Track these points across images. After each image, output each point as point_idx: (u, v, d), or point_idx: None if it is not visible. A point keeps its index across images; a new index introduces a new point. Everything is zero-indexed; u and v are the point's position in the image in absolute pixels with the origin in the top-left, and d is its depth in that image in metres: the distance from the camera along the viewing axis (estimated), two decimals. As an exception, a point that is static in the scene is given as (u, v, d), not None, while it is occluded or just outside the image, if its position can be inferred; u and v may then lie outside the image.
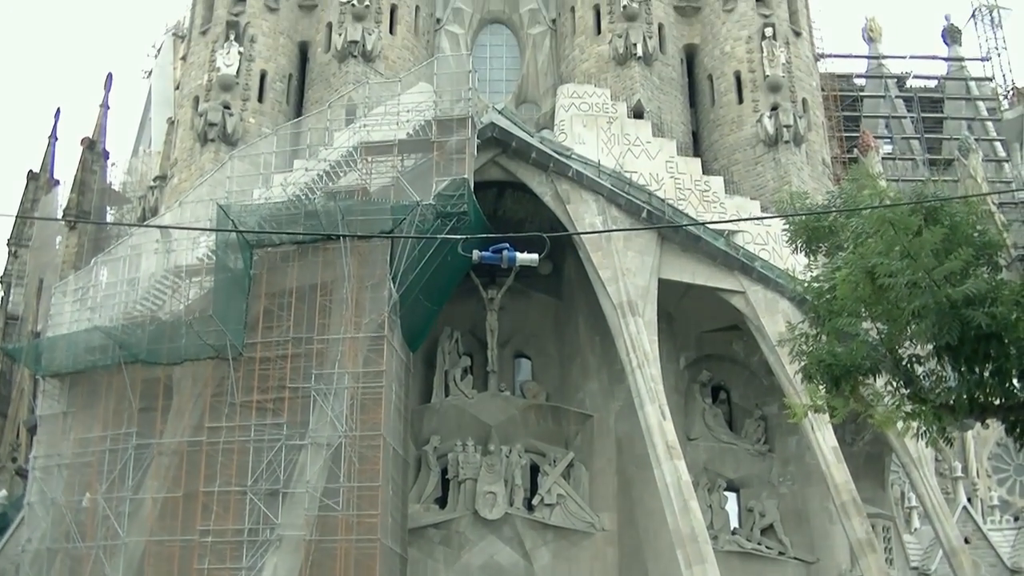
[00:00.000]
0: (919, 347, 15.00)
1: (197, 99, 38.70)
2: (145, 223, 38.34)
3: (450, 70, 34.35)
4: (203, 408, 30.48)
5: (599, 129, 35.03)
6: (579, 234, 32.37)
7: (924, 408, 14.69)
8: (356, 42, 38.16)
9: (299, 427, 28.99)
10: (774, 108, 37.87)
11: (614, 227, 33.02)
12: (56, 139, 64.40)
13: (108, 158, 53.92)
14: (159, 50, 52.92)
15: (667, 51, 39.97)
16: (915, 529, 42.32)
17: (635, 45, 38.30)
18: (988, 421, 15.58)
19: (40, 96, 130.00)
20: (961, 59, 60.64)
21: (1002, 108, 56.66)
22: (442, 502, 33.69)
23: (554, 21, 42.90)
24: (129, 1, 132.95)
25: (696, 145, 39.91)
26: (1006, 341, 13.85)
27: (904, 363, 15.05)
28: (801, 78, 39.48)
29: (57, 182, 59.70)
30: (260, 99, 38.50)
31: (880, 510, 36.08)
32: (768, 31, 39.11)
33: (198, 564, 28.24)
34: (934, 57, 59.55)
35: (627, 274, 32.66)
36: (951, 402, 14.56)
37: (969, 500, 42.61)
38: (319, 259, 30.54)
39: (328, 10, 40.06)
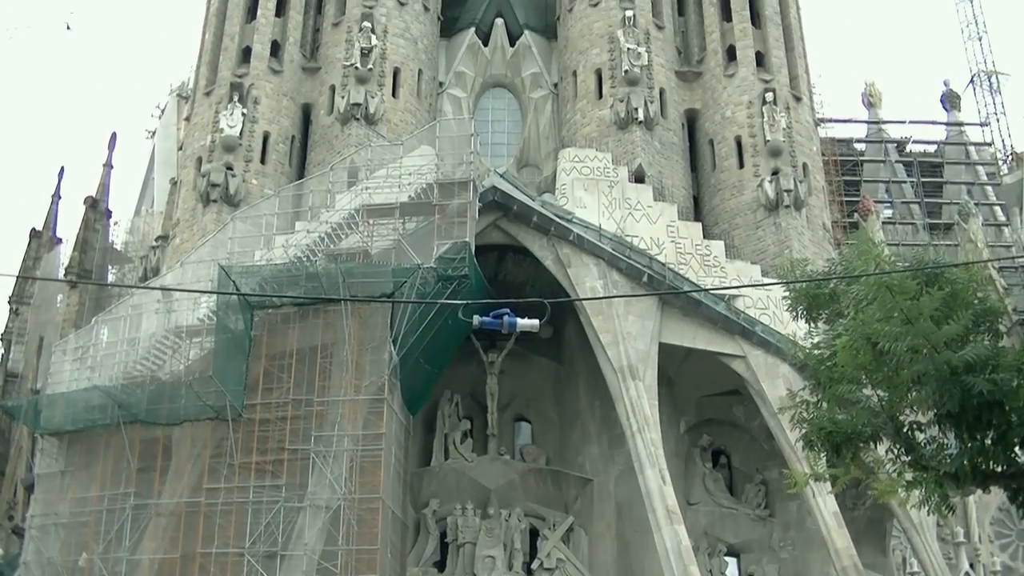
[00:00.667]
0: (920, 414, 14.96)
1: (200, 160, 38.83)
2: (146, 283, 38.26)
3: (452, 133, 34.58)
4: (202, 469, 30.39)
5: (600, 193, 35.19)
6: (580, 300, 32.42)
7: (926, 476, 14.64)
8: (359, 105, 38.34)
9: (298, 489, 28.91)
10: (775, 173, 37.95)
11: (615, 291, 33.08)
12: (59, 197, 64.45)
13: (110, 217, 53.97)
14: (163, 110, 53.14)
15: (668, 116, 40.16)
16: (917, 595, 41.97)
17: (636, 110, 38.46)
18: (990, 488, 15.51)
19: (44, 155, 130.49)
20: (960, 124, 60.80)
21: (1001, 173, 56.80)
22: (440, 566, 33.49)
23: (556, 85, 43.16)
24: (134, 61, 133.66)
25: (697, 209, 39.98)
26: (1007, 408, 13.81)
27: (905, 430, 15.01)
28: (802, 143, 39.65)
29: (59, 240, 59.69)
30: (263, 160, 38.62)
31: (882, 576, 35.86)
32: (769, 96, 39.31)
33: (195, 626, 28.10)
34: (933, 122, 59.70)
35: (628, 338, 32.68)
36: (954, 471, 14.48)
37: (971, 566, 42.23)
38: (320, 321, 30.58)
39: (331, 73, 40.30)
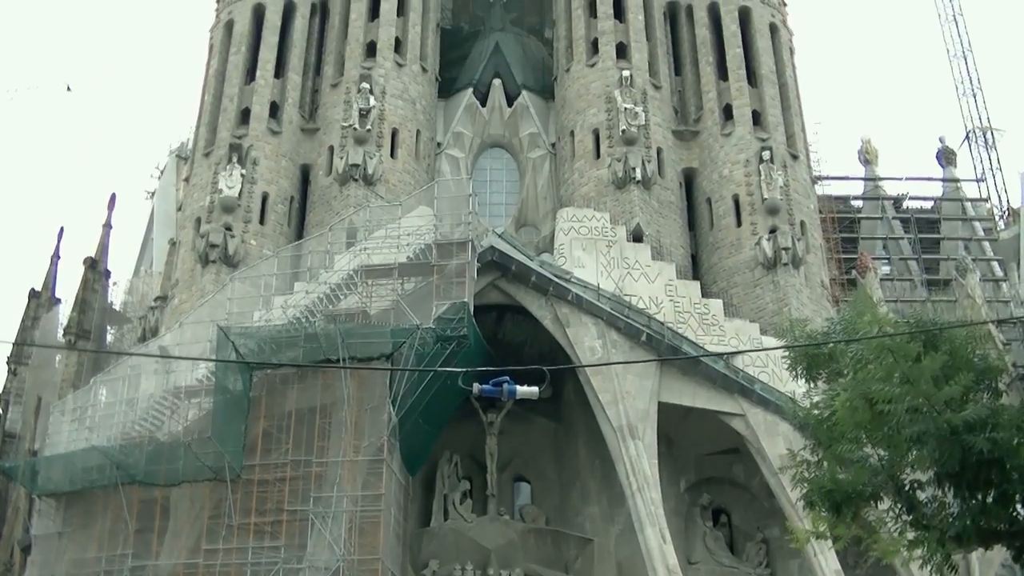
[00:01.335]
0: (920, 472, 14.93)
1: (199, 220, 38.95)
2: (145, 343, 38.28)
3: (450, 194, 34.67)
4: (200, 530, 30.30)
5: (598, 253, 35.29)
6: (580, 367, 32.47)
7: (927, 535, 14.59)
8: (357, 165, 38.52)
9: (297, 550, 28.79)
10: (772, 231, 38.07)
11: (614, 350, 33.14)
12: (59, 257, 64.32)
13: (109, 277, 53.92)
14: (162, 171, 53.30)
15: (666, 175, 40.33)
16: (920, 655, 41.60)
17: (634, 169, 38.62)
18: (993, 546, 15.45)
19: (44, 215, 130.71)
20: (956, 180, 60.91)
21: (998, 228, 56.87)
22: (441, 626, 33.26)
23: (553, 145, 43.36)
24: (134, 122, 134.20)
25: (695, 267, 40.05)
26: (1008, 466, 13.79)
27: (906, 489, 14.97)
28: (799, 201, 39.79)
29: (58, 300, 59.60)
30: (261, 221, 38.74)
31: (883, 635, 35.57)
32: (766, 155, 39.47)
33: None
34: (930, 178, 59.85)
35: (627, 397, 32.66)
36: (956, 533, 14.43)
37: (975, 624, 41.93)
38: (319, 382, 30.58)
39: (330, 134, 40.52)
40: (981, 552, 44.80)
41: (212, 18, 45.20)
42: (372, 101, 39.92)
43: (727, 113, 41.72)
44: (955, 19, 61.83)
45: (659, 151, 40.37)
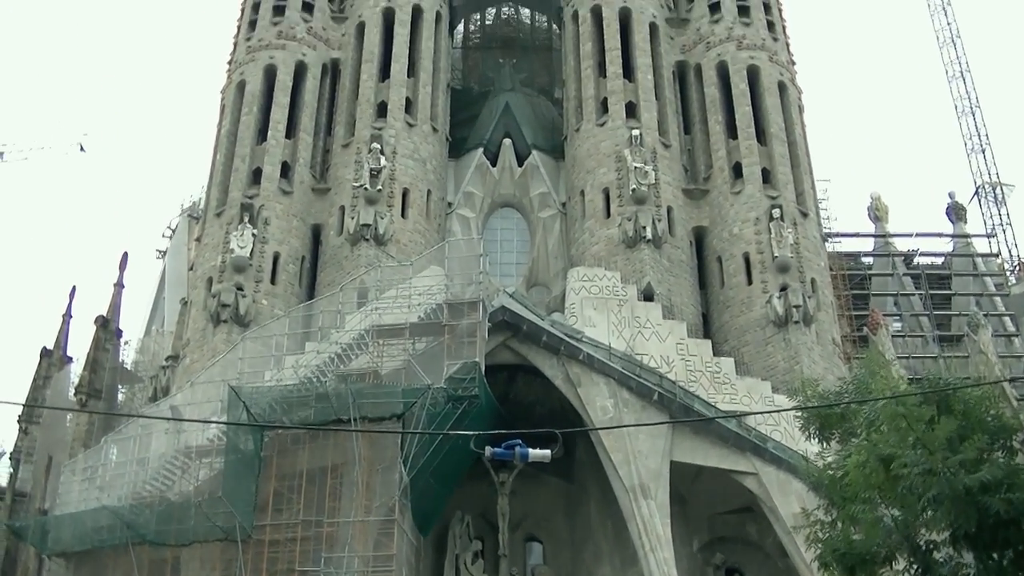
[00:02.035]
0: (935, 533, 14.84)
1: (211, 280, 39.05)
2: (157, 403, 38.23)
3: (461, 254, 34.72)
4: (210, 591, 30.15)
5: (609, 312, 35.29)
6: (592, 429, 32.38)
7: (945, 599, 14.51)
8: (368, 225, 38.66)
9: (308, 612, 28.60)
10: (783, 289, 38.05)
11: (625, 410, 33.04)
12: (71, 316, 64.43)
13: (121, 336, 54.03)
14: (174, 231, 53.61)
15: (676, 233, 40.41)
16: None
17: (644, 228, 38.72)
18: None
19: (56, 274, 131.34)
20: (967, 235, 60.97)
21: (1009, 283, 56.89)
22: None
23: (564, 205, 43.51)
24: (145, 182, 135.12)
25: (706, 326, 40.01)
26: (1024, 526, 13.74)
27: (922, 549, 14.88)
28: (809, 258, 39.79)
29: (70, 359, 59.66)
30: (273, 281, 38.82)
31: None
32: (776, 212, 39.51)
33: None
34: (940, 234, 59.87)
35: (639, 457, 32.53)
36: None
37: None
38: (330, 442, 30.50)
39: (341, 194, 40.69)
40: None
41: (224, 79, 45.53)
42: (383, 161, 40.12)
43: (737, 171, 41.83)
44: (963, 75, 62.37)
45: (669, 210, 40.48)
